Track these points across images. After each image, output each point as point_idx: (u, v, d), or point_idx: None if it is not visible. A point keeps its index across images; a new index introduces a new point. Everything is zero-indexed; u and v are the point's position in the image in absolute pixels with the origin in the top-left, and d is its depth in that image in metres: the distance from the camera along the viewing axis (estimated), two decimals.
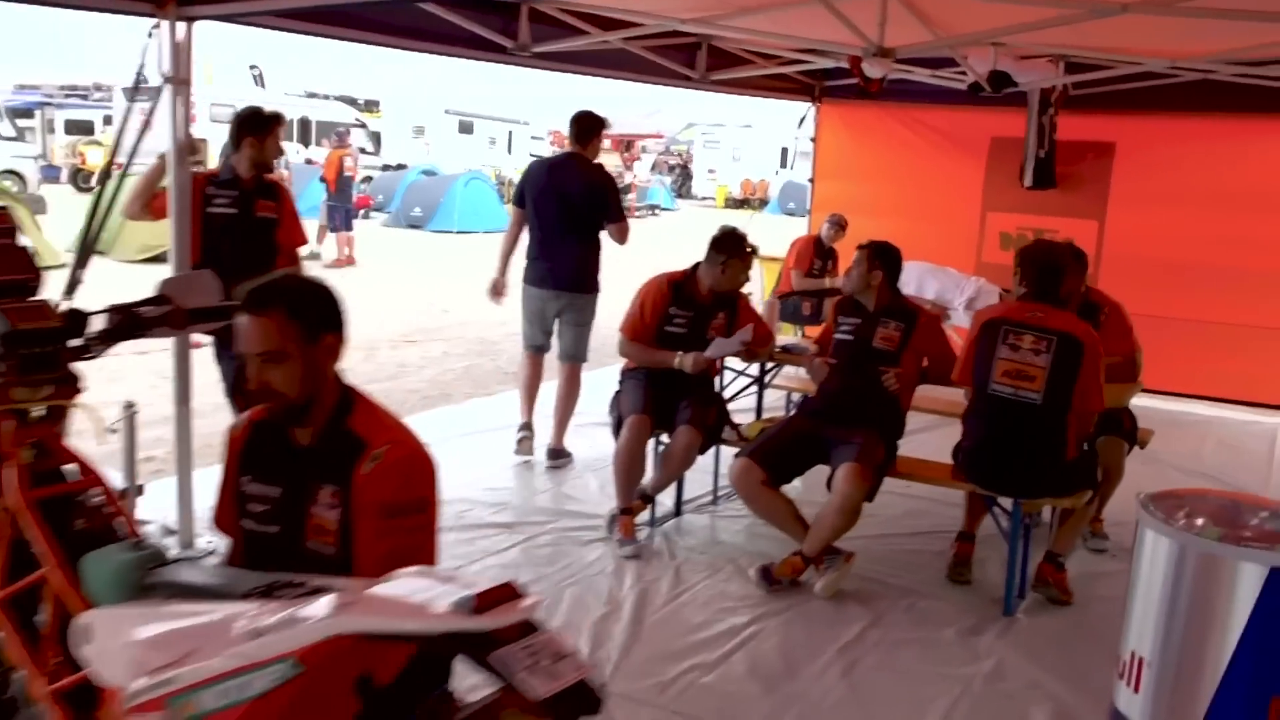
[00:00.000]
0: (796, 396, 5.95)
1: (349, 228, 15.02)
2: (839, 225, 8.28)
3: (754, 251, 4.90)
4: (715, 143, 39.20)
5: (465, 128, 36.97)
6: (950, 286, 7.59)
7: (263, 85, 31.78)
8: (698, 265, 4.89)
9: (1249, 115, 7.68)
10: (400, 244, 18.81)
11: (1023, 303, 4.18)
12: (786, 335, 8.71)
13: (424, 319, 10.96)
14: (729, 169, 37.63)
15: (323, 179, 14.89)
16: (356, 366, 8.11)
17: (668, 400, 4.77)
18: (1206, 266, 7.94)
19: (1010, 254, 8.53)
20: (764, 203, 32.20)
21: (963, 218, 8.75)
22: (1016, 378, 4.02)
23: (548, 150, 42.43)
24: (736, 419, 5.04)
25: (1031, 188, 7.91)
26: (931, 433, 5.78)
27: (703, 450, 4.76)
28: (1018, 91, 7.62)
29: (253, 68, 32.81)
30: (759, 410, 5.83)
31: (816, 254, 8.29)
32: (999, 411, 4.08)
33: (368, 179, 27.53)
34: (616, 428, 4.77)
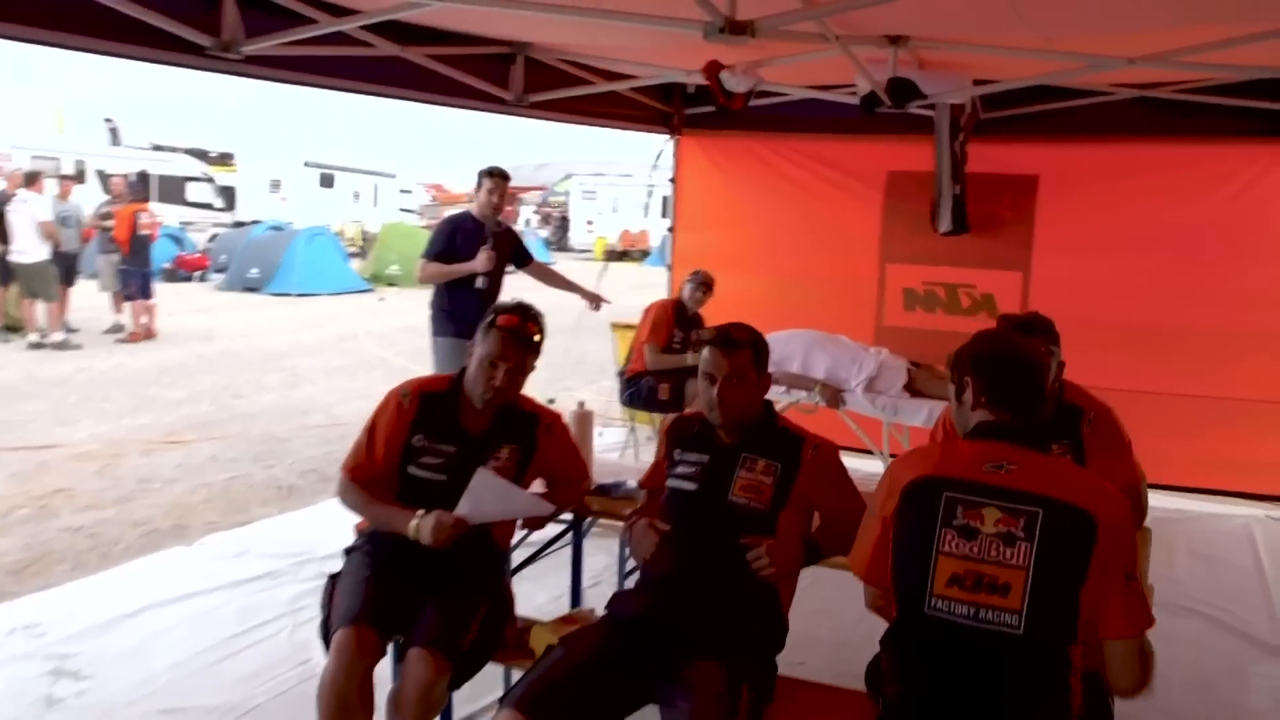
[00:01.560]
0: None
1: (147, 295, 12.77)
2: (703, 285, 6.54)
3: (538, 339, 3.09)
4: (592, 194, 37.87)
5: (326, 181, 34.76)
6: (844, 362, 5.89)
7: (118, 140, 29.49)
8: (464, 370, 3.07)
9: (1197, 140, 6.24)
10: (226, 310, 16.55)
11: (979, 441, 2.32)
12: (642, 425, 6.91)
13: (205, 409, 8.85)
14: (608, 220, 36.22)
15: (114, 239, 12.62)
16: (81, 484, 6.09)
17: (403, 596, 2.89)
18: (1157, 326, 6.44)
19: (916, 316, 7.06)
20: (645, 254, 30.84)
21: (857, 272, 7.10)
22: (976, 588, 2.20)
23: (417, 204, 40.52)
24: (534, 603, 3.20)
25: (949, 233, 6.29)
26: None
27: (454, 686, 2.85)
28: (920, 114, 6.06)
29: (108, 120, 30.65)
30: (575, 586, 3.97)
31: (676, 322, 6.52)
32: (945, 647, 2.20)
33: (213, 237, 25.28)
34: (325, 638, 2.87)
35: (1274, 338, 6.28)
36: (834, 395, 5.80)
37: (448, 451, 3.02)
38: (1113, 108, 6.30)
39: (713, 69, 5.00)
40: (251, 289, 19.26)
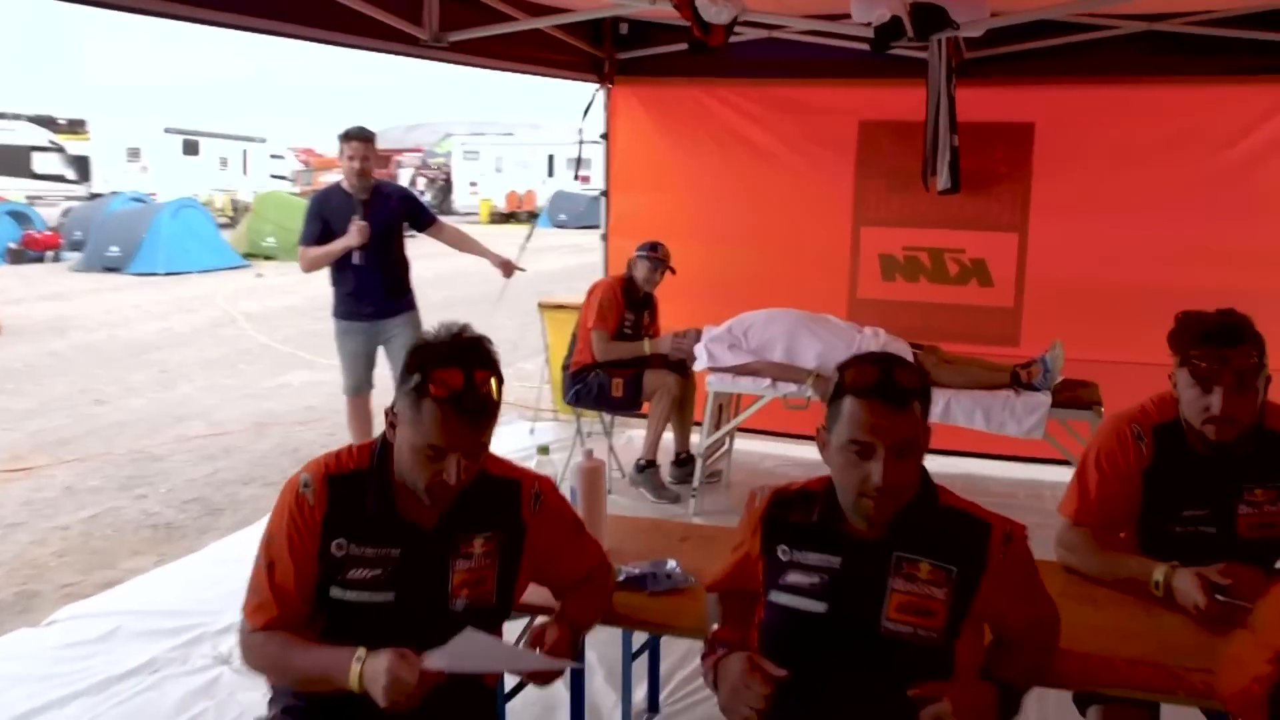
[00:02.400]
0: None
1: None
2: (659, 262, 5.55)
3: None
4: (474, 154, 36.43)
5: (190, 148, 32.50)
6: (838, 347, 4.97)
7: None
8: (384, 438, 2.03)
9: (1211, 80, 5.51)
10: (82, 295, 14.85)
11: None
12: (588, 420, 5.93)
13: (59, 422, 7.49)
14: (492, 181, 34.82)
15: None
16: None
17: None
18: (1167, 290, 5.67)
19: (896, 286, 6.20)
20: (533, 215, 29.68)
21: (826, 238, 6.20)
22: None
23: (289, 170, 38.30)
24: None
25: (946, 191, 5.42)
26: None
27: None
28: (898, 54, 5.23)
29: None
30: None
31: (627, 304, 5.53)
32: None
33: (66, 212, 23.13)
34: None
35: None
36: (826, 387, 4.89)
37: (387, 556, 1.98)
38: (1116, 44, 5.54)
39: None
40: (112, 269, 17.51)
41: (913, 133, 5.78)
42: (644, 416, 5.59)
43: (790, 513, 1.95)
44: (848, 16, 4.77)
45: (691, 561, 2.50)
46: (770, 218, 6.24)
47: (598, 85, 6.48)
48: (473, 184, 35.75)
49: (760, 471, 5.93)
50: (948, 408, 4.75)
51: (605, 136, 6.58)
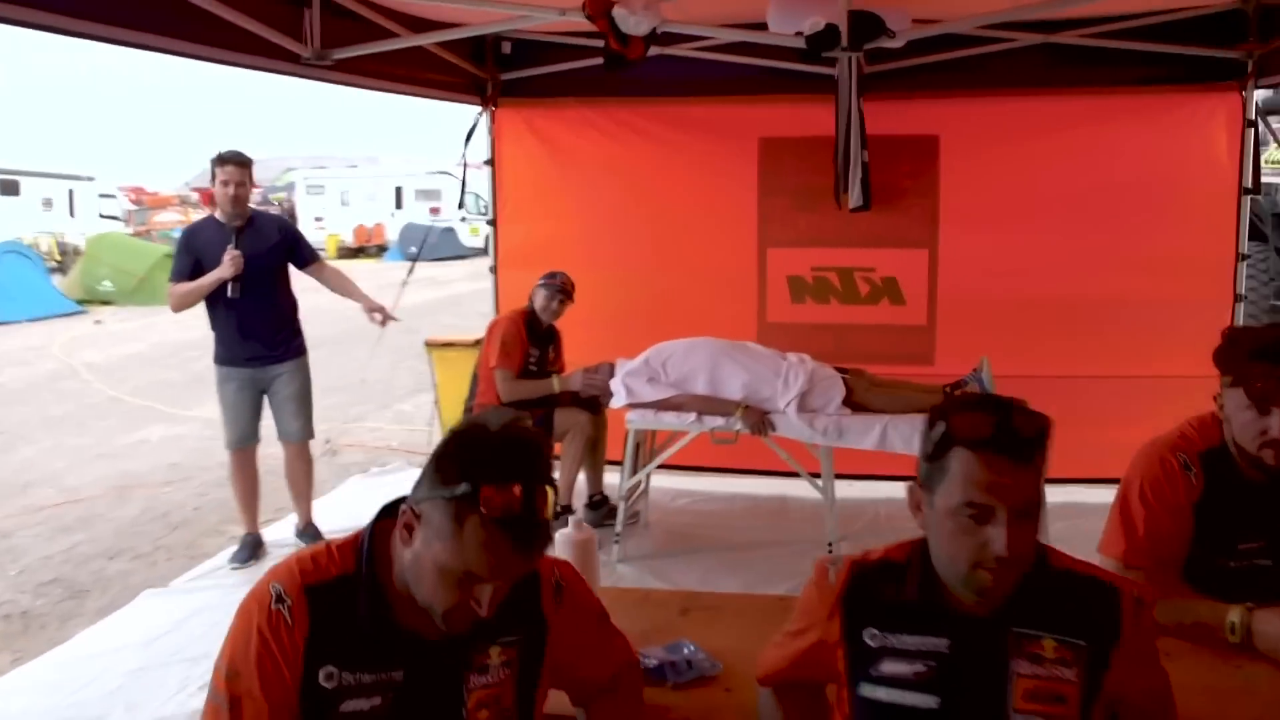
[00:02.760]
0: None
1: None
2: (561, 293, 5.19)
3: None
4: (319, 188, 35.11)
5: (9, 188, 30.25)
6: (764, 375, 4.72)
7: None
8: (372, 540, 1.63)
9: (1107, 90, 5.54)
10: None
11: None
12: None
13: None
14: (338, 215, 33.66)
15: None
16: None
17: None
18: (1076, 302, 5.67)
19: (806, 308, 5.98)
20: (382, 249, 28.77)
21: (732, 261, 5.95)
22: None
23: (121, 210, 36.18)
24: None
25: (858, 209, 5.23)
26: None
27: None
28: (791, 68, 5.12)
29: None
30: None
31: (531, 339, 5.15)
32: None
33: None
34: None
35: (1202, 305, 5.65)
36: (760, 419, 4.62)
37: (388, 681, 1.57)
38: (1015, 56, 5.48)
39: (601, 4, 3.68)
40: None
41: (815, 149, 5.58)
42: (554, 458, 5.20)
43: (877, 589, 1.62)
44: (758, 27, 4.57)
45: (706, 639, 2.15)
46: (672, 242, 5.95)
47: (481, 108, 6.09)
48: (318, 219, 34.48)
49: (678, 510, 5.61)
50: (884, 435, 4.54)
51: (490, 162, 6.18)
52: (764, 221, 5.85)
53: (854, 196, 5.13)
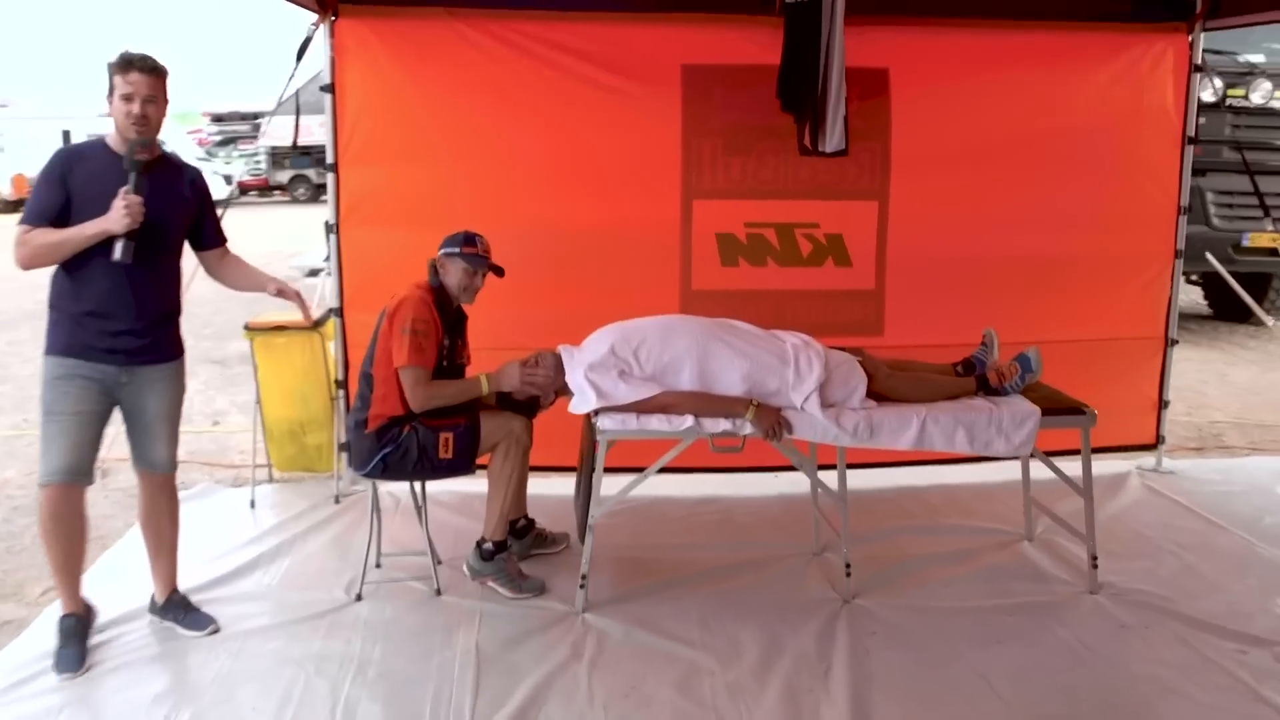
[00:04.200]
0: None
1: None
2: (481, 261, 3.90)
3: None
4: None
5: None
6: (766, 362, 3.72)
7: None
8: None
9: (1074, 25, 5.02)
10: None
11: None
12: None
13: None
14: None
15: None
16: None
17: None
18: (1035, 258, 5.11)
19: (739, 272, 4.93)
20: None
21: (648, 216, 4.86)
22: None
23: None
24: None
25: (838, 153, 4.32)
26: None
27: None
28: None
29: None
30: None
31: (444, 325, 3.84)
32: None
33: None
34: None
35: (1147, 260, 5.26)
36: (775, 420, 3.63)
37: None
38: None
39: None
40: None
41: (750, 79, 4.72)
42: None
43: None
44: None
45: None
46: (573, 194, 4.78)
47: (316, 17, 4.60)
48: None
49: (627, 527, 4.52)
50: (924, 431, 3.70)
51: (330, 88, 4.70)
52: (689, 168, 4.81)
53: (834, 139, 4.25)
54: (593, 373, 3.67)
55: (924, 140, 4.87)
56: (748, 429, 3.63)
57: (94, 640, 3.46)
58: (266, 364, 4.91)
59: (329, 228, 4.84)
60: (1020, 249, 5.05)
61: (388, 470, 3.78)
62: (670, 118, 4.77)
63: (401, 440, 3.74)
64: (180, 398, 3.56)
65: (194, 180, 3.50)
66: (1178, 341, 5.40)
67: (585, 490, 3.84)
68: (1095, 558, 3.94)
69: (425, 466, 3.77)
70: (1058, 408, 3.86)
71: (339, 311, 4.83)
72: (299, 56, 4.65)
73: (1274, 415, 6.87)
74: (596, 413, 3.68)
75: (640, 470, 3.83)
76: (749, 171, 4.82)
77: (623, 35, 4.72)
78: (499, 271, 3.93)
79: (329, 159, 4.78)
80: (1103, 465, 3.93)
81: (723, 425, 3.64)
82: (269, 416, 5.00)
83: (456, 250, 3.86)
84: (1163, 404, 5.44)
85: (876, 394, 3.79)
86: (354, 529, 4.52)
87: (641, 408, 3.65)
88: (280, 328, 4.88)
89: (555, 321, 4.74)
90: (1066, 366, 4.53)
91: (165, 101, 3.28)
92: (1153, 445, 5.47)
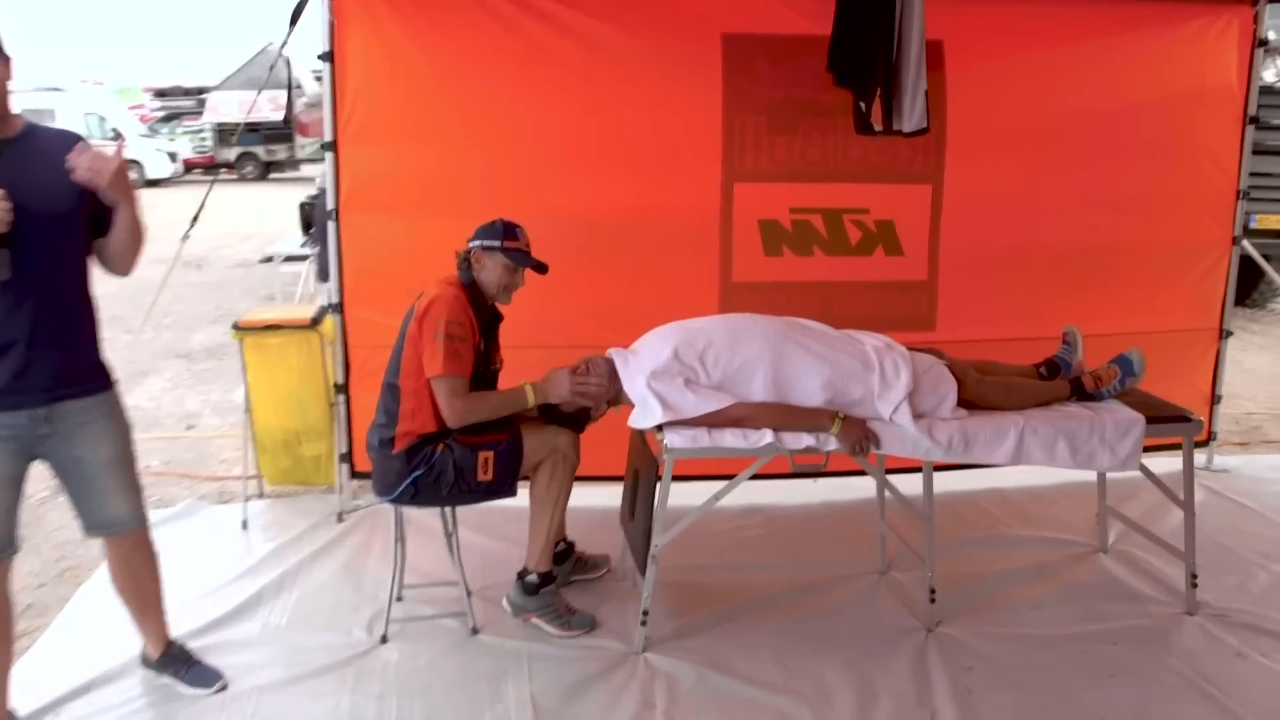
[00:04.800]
0: None
1: None
2: (522, 257, 3.43)
3: None
4: None
5: None
6: (848, 368, 3.31)
7: None
8: None
9: None
10: None
11: None
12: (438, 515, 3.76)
13: None
14: None
15: None
16: None
17: None
18: (1084, 248, 4.77)
19: (784, 263, 4.34)
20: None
21: (686, 202, 4.41)
22: None
23: None
24: None
25: (918, 132, 3.91)
26: None
27: None
28: None
29: None
30: None
31: (481, 329, 3.37)
32: None
33: None
34: None
35: (1206, 248, 4.94)
36: (861, 433, 3.23)
37: None
38: None
39: None
40: None
41: (795, 50, 4.32)
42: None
43: None
44: None
45: None
46: (600, 177, 4.33)
47: None
48: None
49: (675, 549, 4.09)
50: (1022, 443, 3.32)
51: (329, 56, 4.18)
52: (730, 148, 4.37)
53: (914, 116, 3.83)
54: (656, 381, 3.24)
55: (980, 119, 4.48)
56: (832, 444, 3.23)
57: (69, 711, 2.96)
58: (258, 367, 4.39)
59: (330, 216, 4.32)
60: (1077, 237, 4.70)
61: (419, 495, 3.31)
62: (710, 92, 4.32)
63: (435, 461, 3.28)
64: (127, 436, 2.86)
65: (68, 143, 2.59)
66: (1232, 333, 5.09)
67: (640, 511, 3.41)
68: (1195, 576, 3.61)
69: (462, 490, 3.30)
70: (1161, 416, 3.50)
71: (338, 308, 4.33)
72: (293, 20, 4.12)
73: None
74: (660, 427, 3.25)
75: (689, 480, 3.43)
76: (795, 152, 4.40)
77: (657, 1, 4.26)
78: (542, 268, 3.47)
79: (327, 136, 4.26)
80: (1153, 463, 3.63)
81: (805, 440, 3.23)
82: (260, 425, 4.49)
83: (497, 244, 3.39)
84: (1215, 399, 5.15)
85: (965, 401, 3.40)
86: (365, 552, 4.05)
87: (712, 421, 3.23)
88: (274, 326, 4.37)
89: (582, 318, 4.36)
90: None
91: (9, 77, 2.57)
92: (1204, 442, 5.17)
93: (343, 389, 4.39)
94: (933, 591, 3.48)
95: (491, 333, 3.49)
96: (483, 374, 3.40)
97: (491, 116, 4.26)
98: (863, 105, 3.99)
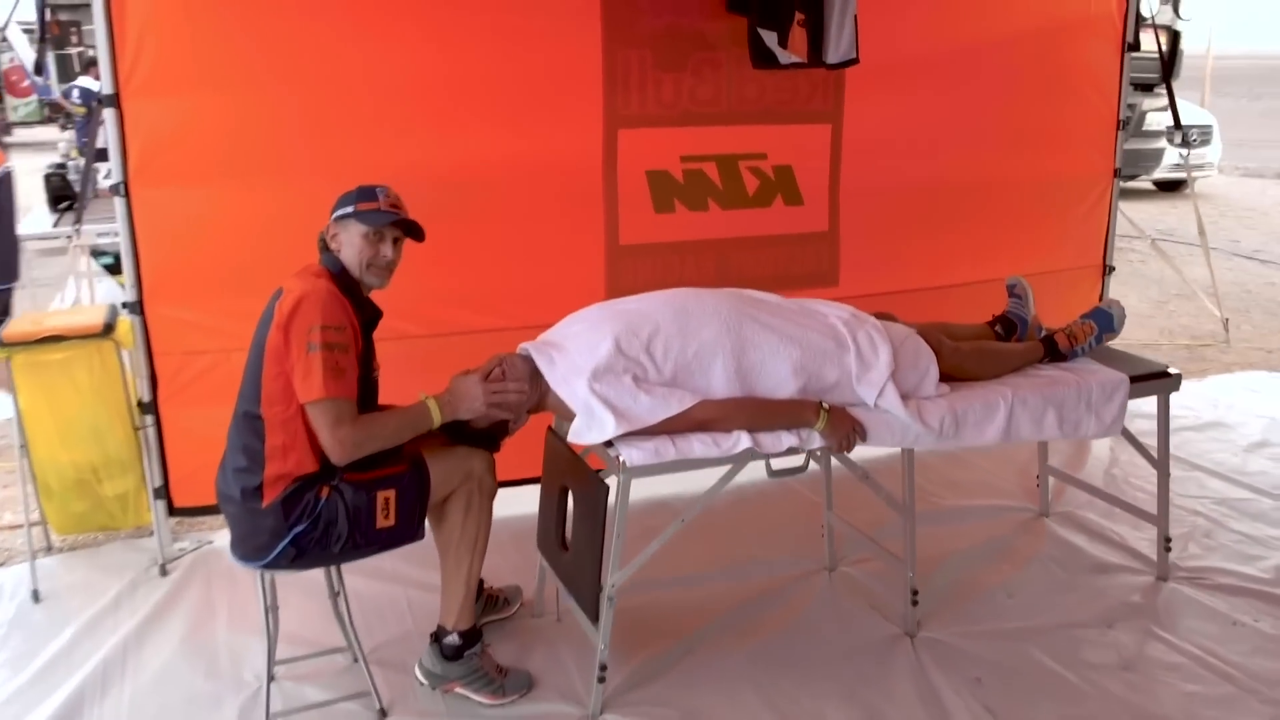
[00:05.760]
0: None
1: None
2: (404, 228, 2.68)
3: None
4: None
5: None
6: (820, 348, 2.77)
7: None
8: None
9: None
10: None
11: None
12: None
13: None
14: None
15: None
16: None
17: None
18: (999, 181, 4.46)
19: (676, 219, 3.75)
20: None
21: (563, 152, 3.72)
22: None
23: None
24: None
25: (847, 63, 3.39)
26: None
27: None
28: None
29: None
30: None
31: (362, 329, 2.60)
32: None
33: None
34: None
35: (1091, 181, 4.73)
36: (850, 426, 2.71)
37: None
38: None
39: None
40: None
41: None
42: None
43: None
44: None
45: None
46: (458, 127, 3.56)
47: None
48: None
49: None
50: (1012, 418, 2.91)
51: None
52: (612, 88, 3.71)
53: (843, 43, 3.32)
54: (600, 383, 2.59)
55: (878, 51, 3.97)
56: (817, 440, 2.69)
57: None
58: (33, 391, 3.39)
59: (117, 192, 3.35)
60: (976, 175, 4.39)
61: (301, 557, 2.53)
62: (587, 22, 3.63)
63: (320, 510, 2.50)
64: None
65: None
66: (1115, 268, 4.93)
67: (583, 543, 2.77)
68: (1169, 539, 3.35)
69: (357, 542, 2.55)
70: (1142, 374, 3.18)
71: (136, 307, 3.39)
72: None
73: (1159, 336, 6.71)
74: (610, 441, 2.61)
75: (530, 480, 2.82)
76: (684, 91, 3.79)
77: None
78: (415, 230, 2.72)
79: (106, 88, 3.28)
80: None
81: (786, 441, 2.68)
82: (41, 463, 3.50)
83: (349, 210, 2.61)
84: None
85: (946, 375, 2.95)
86: (207, 615, 3.21)
87: (674, 426, 2.62)
88: (54, 338, 3.37)
89: (443, 299, 3.64)
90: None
91: None
92: None
93: (150, 408, 3.46)
94: (914, 593, 3.04)
95: (369, 332, 2.72)
96: (364, 386, 2.64)
97: (311, 58, 3.40)
98: (762, 33, 3.42)
